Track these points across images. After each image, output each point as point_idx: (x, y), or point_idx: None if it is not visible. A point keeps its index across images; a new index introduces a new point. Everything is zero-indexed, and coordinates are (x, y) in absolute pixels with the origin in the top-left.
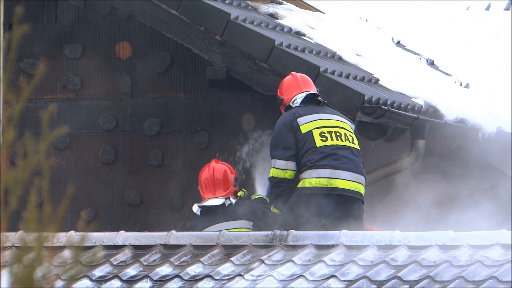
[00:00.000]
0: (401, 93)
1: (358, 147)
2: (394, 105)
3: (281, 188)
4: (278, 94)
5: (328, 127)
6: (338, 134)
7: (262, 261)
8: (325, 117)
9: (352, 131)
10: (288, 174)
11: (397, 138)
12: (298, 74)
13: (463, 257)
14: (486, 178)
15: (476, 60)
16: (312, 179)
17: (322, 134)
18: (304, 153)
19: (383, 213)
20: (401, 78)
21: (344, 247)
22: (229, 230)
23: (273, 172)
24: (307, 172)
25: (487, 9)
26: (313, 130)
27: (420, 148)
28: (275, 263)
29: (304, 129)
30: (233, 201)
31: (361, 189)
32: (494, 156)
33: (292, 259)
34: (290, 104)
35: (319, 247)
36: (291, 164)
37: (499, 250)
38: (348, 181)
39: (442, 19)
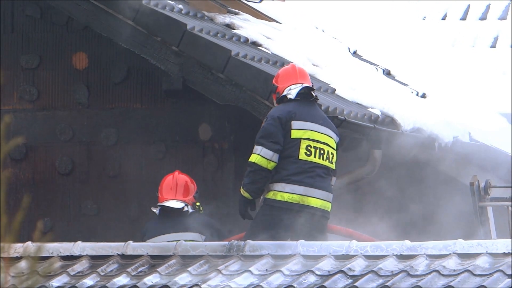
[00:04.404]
0: (357, 103)
1: (334, 167)
2: (351, 115)
3: (260, 176)
4: (274, 82)
5: (316, 141)
6: (322, 152)
7: (219, 271)
8: (317, 128)
9: (335, 147)
10: (271, 166)
11: (353, 148)
12: (297, 66)
13: (420, 266)
14: (444, 187)
15: (432, 70)
16: (285, 193)
17: (308, 147)
18: (284, 157)
19: (340, 223)
20: (357, 88)
21: (301, 257)
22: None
23: (256, 159)
24: (280, 185)
25: (443, 18)
26: (302, 140)
27: (377, 158)
28: (232, 273)
29: (294, 134)
30: (191, 210)
31: (329, 207)
32: (451, 165)
33: (249, 269)
34: (285, 93)
35: (276, 257)
36: (276, 157)
37: (455, 260)
38: (319, 199)
39: (399, 29)
